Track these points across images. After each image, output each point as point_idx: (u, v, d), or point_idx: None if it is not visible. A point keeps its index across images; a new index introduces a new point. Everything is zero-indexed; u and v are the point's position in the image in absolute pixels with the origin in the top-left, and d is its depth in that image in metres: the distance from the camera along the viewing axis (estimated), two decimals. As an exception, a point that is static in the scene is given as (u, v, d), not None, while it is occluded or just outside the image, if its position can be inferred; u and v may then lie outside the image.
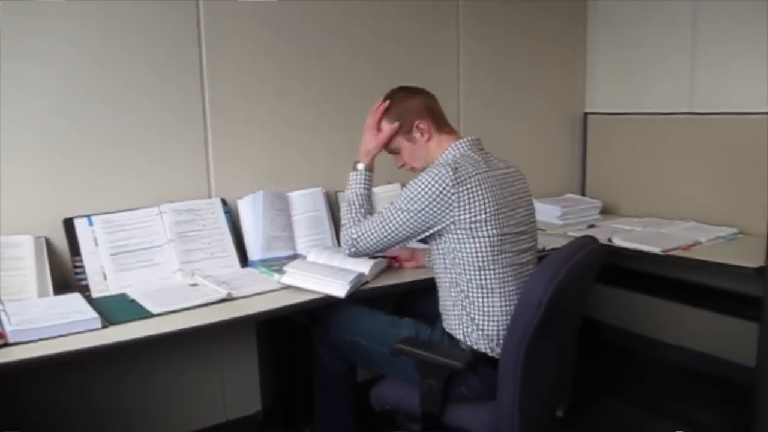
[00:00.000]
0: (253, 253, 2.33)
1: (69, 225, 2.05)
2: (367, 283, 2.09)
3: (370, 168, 2.00)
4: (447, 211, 1.73)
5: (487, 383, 1.73)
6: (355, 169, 1.99)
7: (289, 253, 2.39)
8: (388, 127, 1.94)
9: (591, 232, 2.79)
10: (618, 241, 2.62)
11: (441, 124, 1.94)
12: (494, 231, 1.73)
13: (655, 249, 2.51)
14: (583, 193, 3.44)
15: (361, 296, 2.03)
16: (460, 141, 1.88)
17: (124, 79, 2.17)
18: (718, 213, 2.87)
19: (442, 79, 2.94)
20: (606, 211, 3.28)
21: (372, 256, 2.24)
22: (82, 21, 2.07)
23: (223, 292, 1.90)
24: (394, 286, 2.13)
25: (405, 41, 2.81)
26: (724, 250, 2.51)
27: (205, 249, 2.22)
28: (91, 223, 2.08)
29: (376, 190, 2.68)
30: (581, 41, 3.41)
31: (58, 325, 1.63)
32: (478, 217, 1.72)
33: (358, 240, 1.86)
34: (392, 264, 2.26)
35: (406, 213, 1.77)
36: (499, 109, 3.12)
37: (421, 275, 2.18)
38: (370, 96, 2.69)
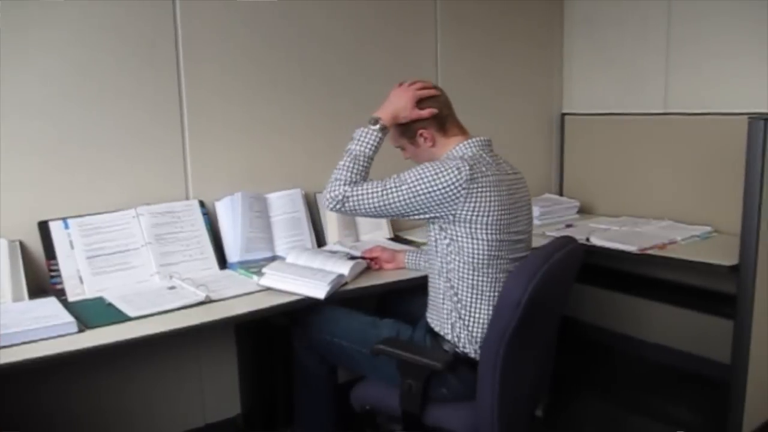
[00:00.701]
0: (232, 255, 2.32)
1: (44, 228, 2.03)
2: (346, 284, 2.08)
3: (385, 131, 1.93)
4: (451, 203, 1.73)
5: (467, 384, 1.73)
6: (372, 124, 1.92)
7: (268, 254, 2.38)
8: (427, 110, 1.89)
9: (569, 231, 2.81)
10: (595, 241, 2.65)
11: (448, 127, 1.91)
12: (494, 235, 1.74)
13: (632, 248, 2.53)
14: (560, 193, 3.47)
15: (341, 297, 2.03)
16: (472, 140, 1.87)
17: (100, 80, 2.15)
18: (693, 212, 2.90)
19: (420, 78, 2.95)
20: (583, 211, 3.31)
21: (351, 257, 2.24)
22: (57, 22, 2.04)
23: (201, 295, 1.89)
24: (373, 287, 2.13)
25: (383, 42, 2.82)
26: (699, 249, 2.55)
27: (183, 251, 2.21)
28: (66, 226, 2.06)
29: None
30: (558, 42, 3.44)
31: (33, 330, 1.61)
32: (482, 219, 1.73)
33: (349, 199, 1.81)
34: (372, 265, 2.26)
35: (409, 191, 1.76)
36: (477, 109, 3.11)
37: (400, 276, 2.19)
38: (348, 97, 2.72)
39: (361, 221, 2.68)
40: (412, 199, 1.76)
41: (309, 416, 2.17)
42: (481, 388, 1.64)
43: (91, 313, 1.81)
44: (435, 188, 1.72)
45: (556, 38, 3.43)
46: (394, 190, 1.78)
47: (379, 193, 1.79)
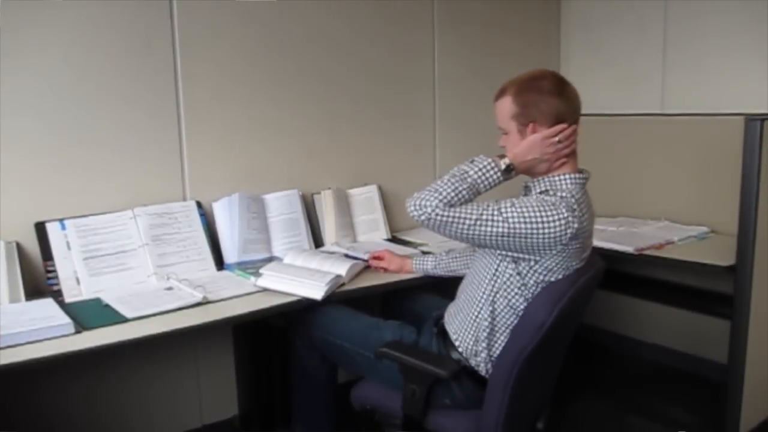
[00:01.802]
0: (229, 256, 2.31)
1: (41, 229, 2.02)
2: (343, 284, 2.08)
3: (509, 174, 1.72)
4: (544, 252, 1.61)
5: (470, 397, 1.73)
6: (504, 168, 1.71)
7: (265, 255, 2.38)
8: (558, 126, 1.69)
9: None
10: (592, 241, 2.65)
11: None
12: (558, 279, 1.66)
13: (629, 248, 2.54)
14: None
15: (338, 298, 2.03)
16: (581, 176, 1.72)
17: (97, 80, 2.14)
18: (690, 212, 2.91)
19: (418, 79, 2.96)
20: (580, 212, 3.31)
21: (352, 257, 2.24)
22: (54, 23, 2.04)
23: (198, 296, 1.89)
24: (371, 288, 2.13)
25: (381, 42, 2.81)
26: (696, 249, 2.55)
27: (180, 252, 2.20)
28: (63, 227, 2.05)
29: (352, 192, 2.70)
30: (555, 43, 3.44)
31: (30, 331, 1.60)
32: (561, 271, 1.64)
33: (438, 218, 1.62)
34: (373, 265, 2.26)
35: (507, 228, 1.59)
36: (475, 109, 3.13)
37: (400, 276, 2.19)
38: (345, 96, 2.72)
39: (359, 221, 2.69)
40: (506, 238, 1.60)
41: (308, 415, 2.16)
42: (489, 402, 1.63)
43: (88, 314, 1.80)
44: (536, 234, 1.58)
45: (552, 39, 3.43)
46: (490, 222, 1.60)
47: (473, 222, 1.61)
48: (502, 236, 1.60)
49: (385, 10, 2.81)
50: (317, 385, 2.11)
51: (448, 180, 1.68)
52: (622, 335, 3.28)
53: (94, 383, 2.21)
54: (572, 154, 1.73)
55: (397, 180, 2.88)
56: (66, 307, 1.84)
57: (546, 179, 1.71)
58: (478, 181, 1.69)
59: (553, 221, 1.58)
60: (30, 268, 2.02)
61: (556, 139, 1.68)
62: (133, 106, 2.22)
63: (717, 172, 2.78)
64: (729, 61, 2.79)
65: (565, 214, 1.58)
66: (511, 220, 1.59)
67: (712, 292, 2.85)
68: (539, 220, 1.58)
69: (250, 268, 2.20)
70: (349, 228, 2.63)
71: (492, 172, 1.70)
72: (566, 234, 1.58)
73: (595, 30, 3.30)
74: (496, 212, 1.60)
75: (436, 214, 1.63)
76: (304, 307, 1.97)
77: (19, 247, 2.01)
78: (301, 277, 1.99)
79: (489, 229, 1.60)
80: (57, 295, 1.95)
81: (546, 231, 1.57)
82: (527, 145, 1.69)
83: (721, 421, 2.28)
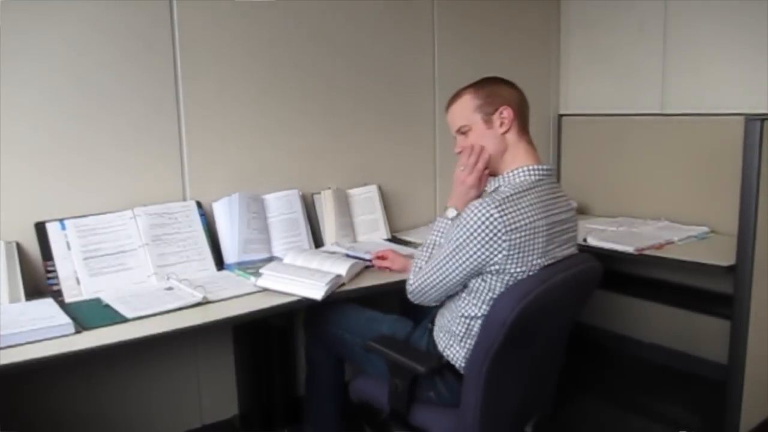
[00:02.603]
0: (229, 256, 2.31)
1: (41, 229, 2.02)
2: (343, 284, 2.08)
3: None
4: (489, 257, 1.59)
5: (453, 392, 1.73)
6: (446, 212, 1.81)
7: (265, 255, 2.38)
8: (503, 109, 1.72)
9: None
10: (593, 241, 2.65)
11: (524, 130, 1.76)
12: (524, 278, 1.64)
13: (629, 248, 2.54)
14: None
15: (338, 298, 2.03)
16: (529, 167, 1.70)
17: (97, 81, 2.14)
18: (690, 212, 2.91)
19: (418, 79, 2.96)
20: (580, 212, 3.31)
21: (353, 257, 2.23)
22: (54, 23, 2.04)
23: (198, 296, 1.89)
24: (371, 288, 2.12)
25: (381, 42, 2.82)
26: (695, 249, 2.55)
27: (180, 252, 2.20)
28: (63, 227, 2.05)
29: (352, 192, 2.70)
30: (555, 43, 3.44)
31: (30, 331, 1.60)
32: (522, 272, 1.61)
33: (412, 286, 1.75)
34: (377, 264, 2.25)
35: (453, 261, 1.63)
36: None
37: (401, 277, 2.17)
38: (345, 96, 2.72)
39: (359, 221, 2.69)
40: (459, 268, 1.62)
41: (316, 408, 2.20)
42: (465, 399, 1.64)
43: (88, 314, 1.80)
44: (475, 246, 1.58)
45: (552, 39, 3.44)
46: (441, 264, 1.65)
47: (431, 272, 1.68)
48: (455, 269, 1.63)
49: (386, 10, 2.81)
50: (323, 377, 2.15)
51: (420, 254, 1.81)
52: (622, 335, 3.28)
53: (94, 383, 2.21)
54: (525, 136, 1.75)
55: (397, 180, 2.88)
56: (66, 307, 1.83)
57: (499, 177, 1.74)
58: (437, 238, 1.80)
59: (473, 224, 1.57)
60: (30, 268, 2.02)
61: (461, 168, 1.76)
62: (133, 106, 2.22)
63: (717, 172, 2.78)
64: (729, 61, 2.80)
65: (484, 212, 1.56)
66: (449, 251, 1.64)
67: (712, 292, 2.85)
68: (463, 235, 1.59)
69: (250, 268, 2.20)
70: (349, 228, 2.63)
71: (441, 224, 1.81)
72: (489, 228, 1.55)
73: (595, 30, 3.30)
74: (441, 253, 1.67)
75: (410, 285, 1.76)
76: (304, 307, 1.97)
77: (19, 247, 2.00)
78: (301, 277, 1.98)
79: (443, 271, 1.66)
80: (57, 295, 1.94)
81: (476, 234, 1.57)
82: (455, 188, 1.80)
83: (721, 421, 2.28)
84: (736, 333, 2.21)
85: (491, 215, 1.55)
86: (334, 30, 2.67)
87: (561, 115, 3.44)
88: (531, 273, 1.61)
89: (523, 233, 1.58)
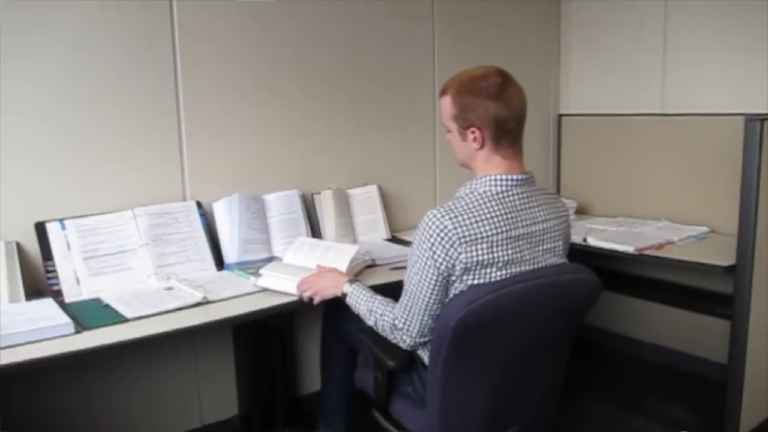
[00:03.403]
0: (229, 256, 2.31)
1: (41, 229, 2.02)
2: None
3: (353, 282, 1.88)
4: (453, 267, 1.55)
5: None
6: (345, 294, 1.86)
7: (265, 255, 2.38)
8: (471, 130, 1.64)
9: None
10: (592, 241, 2.65)
11: (503, 143, 1.65)
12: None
13: (629, 248, 2.54)
14: (558, 194, 3.47)
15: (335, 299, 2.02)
16: (500, 176, 1.62)
17: (97, 81, 2.14)
18: (690, 212, 2.91)
19: (418, 79, 2.96)
20: (580, 212, 3.32)
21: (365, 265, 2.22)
22: (54, 23, 2.04)
23: (198, 296, 1.89)
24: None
25: (381, 41, 2.82)
26: (695, 249, 2.55)
27: (180, 252, 2.20)
28: (63, 227, 2.05)
29: (352, 192, 2.70)
30: (555, 43, 3.44)
31: (30, 331, 1.60)
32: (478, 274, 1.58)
33: (396, 326, 1.69)
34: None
35: (418, 281, 1.61)
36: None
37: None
38: (345, 96, 2.72)
39: (359, 221, 2.69)
40: (429, 281, 1.58)
41: (328, 395, 2.23)
42: (428, 398, 1.66)
43: (88, 314, 1.80)
44: (434, 266, 1.56)
45: (552, 39, 3.44)
46: (413, 284, 1.62)
47: (406, 300, 1.65)
48: (424, 289, 1.60)
49: (385, 10, 2.81)
50: (336, 366, 2.18)
51: (370, 322, 1.77)
52: (622, 335, 3.28)
53: (94, 383, 2.21)
54: (502, 150, 1.65)
55: (397, 180, 2.88)
56: (66, 307, 1.84)
57: (466, 184, 1.67)
58: (361, 304, 1.81)
59: (429, 236, 1.55)
60: (30, 268, 2.02)
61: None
62: (133, 106, 2.22)
63: (717, 172, 2.78)
64: (729, 61, 2.79)
65: (438, 224, 1.54)
66: (411, 274, 1.62)
67: (712, 292, 2.85)
68: (422, 248, 1.57)
69: (250, 268, 2.20)
70: (349, 228, 2.63)
71: (354, 298, 1.83)
72: (444, 239, 1.52)
73: (595, 30, 3.30)
74: (406, 279, 1.65)
75: (394, 326, 1.69)
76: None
77: (19, 247, 2.00)
78: (301, 276, 1.98)
79: (414, 294, 1.63)
80: (57, 295, 1.95)
81: (431, 248, 1.55)
82: (323, 279, 1.94)
83: (721, 421, 2.29)
84: (736, 333, 2.21)
85: (445, 226, 1.53)
86: (335, 30, 2.67)
87: (561, 115, 3.44)
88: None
89: (479, 246, 1.53)
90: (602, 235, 2.73)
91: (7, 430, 1.90)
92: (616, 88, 3.23)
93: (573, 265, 1.70)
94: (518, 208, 1.61)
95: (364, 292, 1.83)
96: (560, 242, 1.71)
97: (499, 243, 1.56)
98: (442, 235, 1.53)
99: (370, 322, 1.77)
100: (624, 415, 2.73)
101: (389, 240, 2.70)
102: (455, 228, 1.52)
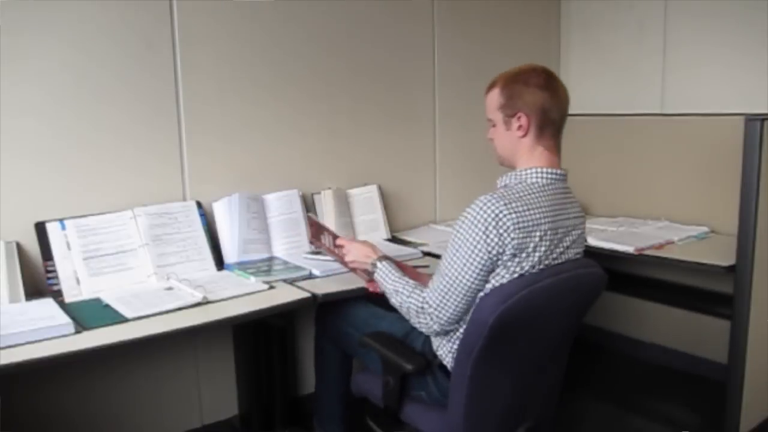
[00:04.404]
0: (229, 256, 2.31)
1: (41, 229, 2.02)
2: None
3: (385, 257, 1.87)
4: (499, 254, 1.57)
5: (444, 392, 1.73)
6: (375, 267, 1.84)
7: (265, 255, 2.38)
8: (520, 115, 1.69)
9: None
10: (592, 241, 2.65)
11: (546, 134, 1.74)
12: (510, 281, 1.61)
13: (629, 248, 2.54)
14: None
15: (333, 299, 2.02)
16: (543, 169, 1.71)
17: (97, 81, 2.14)
18: (690, 213, 2.91)
19: (418, 79, 2.96)
20: (580, 212, 3.31)
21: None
22: (54, 23, 2.04)
23: (198, 296, 1.89)
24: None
25: (381, 41, 2.82)
26: (695, 249, 2.55)
27: (180, 252, 2.20)
28: (63, 227, 2.05)
29: (352, 192, 2.70)
30: (555, 43, 3.44)
31: (30, 331, 1.60)
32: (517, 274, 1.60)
33: (426, 309, 1.67)
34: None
35: (461, 264, 1.59)
36: (475, 108, 3.12)
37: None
38: (345, 97, 2.72)
39: (359, 221, 2.69)
40: (471, 266, 1.57)
41: (323, 400, 2.23)
42: (452, 399, 1.64)
43: (88, 314, 1.80)
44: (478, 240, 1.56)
45: (552, 38, 3.44)
46: (451, 265, 1.60)
47: (444, 283, 1.62)
48: (466, 273, 1.58)
49: (385, 10, 2.81)
50: (331, 370, 2.18)
51: (395, 301, 1.76)
52: (622, 335, 3.28)
53: (95, 383, 2.21)
54: (544, 141, 1.74)
55: (397, 180, 2.88)
56: (66, 307, 1.84)
57: (511, 174, 1.72)
58: (389, 284, 1.78)
59: (482, 219, 1.55)
60: (30, 268, 2.02)
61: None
62: (133, 106, 2.22)
63: (717, 172, 2.78)
64: (729, 61, 2.79)
65: (493, 208, 1.55)
66: (455, 256, 1.60)
67: (712, 292, 2.85)
68: (470, 231, 1.56)
69: (250, 268, 2.21)
70: (349, 228, 2.63)
71: (382, 274, 1.81)
72: (498, 224, 1.54)
73: (595, 30, 3.30)
74: (446, 262, 1.62)
75: (422, 309, 1.67)
76: (309, 304, 1.98)
77: (19, 247, 2.00)
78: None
79: (452, 276, 1.60)
80: (57, 295, 1.95)
81: (481, 231, 1.55)
82: (359, 254, 1.90)
83: (721, 421, 2.28)
84: (736, 333, 2.21)
85: (500, 211, 1.54)
86: (335, 30, 2.67)
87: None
88: (531, 272, 1.59)
89: (530, 233, 1.57)
90: (602, 235, 2.73)
91: (7, 430, 1.90)
92: (616, 88, 3.23)
93: (585, 260, 1.74)
94: (559, 201, 1.68)
95: (393, 270, 1.81)
96: (581, 240, 1.75)
97: (545, 233, 1.60)
98: (497, 219, 1.54)
99: (394, 302, 1.75)
100: (624, 415, 2.73)
101: (389, 240, 2.70)
102: (509, 213, 1.55)
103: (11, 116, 1.99)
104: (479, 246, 1.56)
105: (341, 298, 2.03)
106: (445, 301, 1.62)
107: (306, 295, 1.98)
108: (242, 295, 1.97)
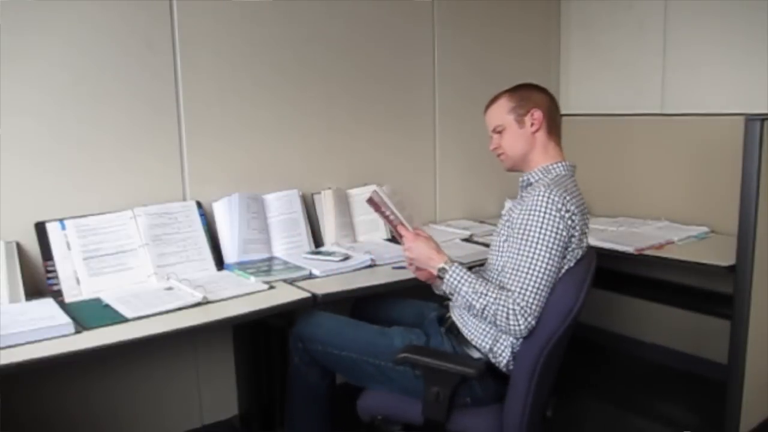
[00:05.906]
0: (229, 255, 2.31)
1: (41, 229, 2.02)
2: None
3: (454, 260, 1.82)
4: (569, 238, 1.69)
5: (488, 392, 1.74)
6: (444, 272, 1.78)
7: (265, 255, 2.38)
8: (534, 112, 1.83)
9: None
10: (593, 241, 2.62)
11: (553, 132, 1.88)
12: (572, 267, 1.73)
13: (629, 248, 2.54)
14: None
15: (327, 300, 2.00)
16: (565, 163, 1.84)
17: (97, 81, 2.14)
18: (690, 213, 2.91)
19: (418, 79, 2.96)
20: (580, 212, 3.31)
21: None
22: (54, 23, 2.04)
23: (198, 296, 1.89)
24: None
25: (381, 41, 2.82)
26: (695, 249, 2.55)
27: (180, 252, 2.20)
28: (63, 227, 2.05)
29: (352, 192, 2.70)
30: (555, 43, 3.44)
31: (30, 331, 1.60)
32: (572, 259, 1.72)
33: (516, 309, 1.64)
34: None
35: (547, 253, 1.65)
36: (475, 109, 3.13)
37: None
38: (345, 97, 2.72)
39: (359, 221, 2.68)
40: (552, 255, 1.65)
41: (305, 426, 2.09)
42: (513, 396, 1.65)
43: (88, 314, 1.80)
44: (560, 234, 1.66)
45: (552, 39, 3.44)
46: (535, 264, 1.65)
47: (532, 279, 1.64)
48: (550, 261, 1.65)
49: (386, 10, 2.81)
50: (317, 397, 2.05)
51: (474, 304, 1.70)
52: (622, 335, 3.28)
53: (94, 383, 2.21)
54: (554, 137, 1.88)
55: (398, 180, 2.88)
56: (66, 307, 1.84)
57: (533, 172, 1.84)
58: (462, 287, 1.73)
59: (549, 209, 1.66)
60: (30, 268, 2.02)
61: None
62: (133, 106, 2.22)
63: (717, 172, 2.78)
64: (729, 61, 2.79)
65: (555, 198, 1.67)
66: (538, 246, 1.66)
67: (712, 292, 2.85)
68: (543, 222, 1.66)
69: (250, 268, 2.21)
70: (349, 228, 2.63)
71: (453, 277, 1.76)
72: (563, 211, 1.66)
73: (595, 30, 3.31)
74: (526, 254, 1.66)
75: (513, 311, 1.64)
76: (304, 312, 1.97)
77: (19, 247, 2.01)
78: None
79: (538, 267, 1.65)
80: (57, 295, 1.95)
81: (552, 219, 1.66)
82: (421, 252, 1.84)
83: (721, 421, 2.28)
84: (736, 333, 2.20)
85: (565, 201, 1.66)
86: (335, 30, 2.67)
87: (561, 115, 3.43)
88: (577, 258, 1.72)
89: (582, 219, 1.72)
90: (602, 235, 2.73)
91: (6, 430, 1.90)
92: (616, 88, 3.23)
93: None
94: (579, 192, 1.79)
95: (468, 273, 1.76)
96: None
97: (584, 217, 1.75)
98: (564, 209, 1.66)
99: (477, 305, 1.69)
100: (624, 415, 2.73)
101: (389, 240, 2.70)
102: (571, 199, 1.69)
103: (11, 116, 1.99)
104: (558, 230, 1.66)
105: (326, 301, 1.98)
106: (534, 296, 1.64)
107: (306, 295, 1.99)
108: (242, 295, 1.97)
